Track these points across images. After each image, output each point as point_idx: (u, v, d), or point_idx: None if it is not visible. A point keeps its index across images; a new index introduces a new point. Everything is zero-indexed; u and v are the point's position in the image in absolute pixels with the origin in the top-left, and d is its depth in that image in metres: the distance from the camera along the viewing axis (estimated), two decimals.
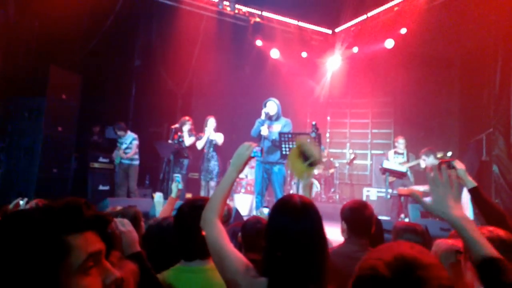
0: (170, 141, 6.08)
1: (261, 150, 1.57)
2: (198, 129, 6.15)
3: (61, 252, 0.65)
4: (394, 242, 0.83)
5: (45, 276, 0.63)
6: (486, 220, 1.97)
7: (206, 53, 8.16)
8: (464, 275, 1.41)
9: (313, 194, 7.49)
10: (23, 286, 0.62)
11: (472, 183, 2.12)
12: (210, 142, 5.77)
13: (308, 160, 1.66)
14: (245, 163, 1.50)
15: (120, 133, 6.38)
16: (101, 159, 6.61)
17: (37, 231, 0.65)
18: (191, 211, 1.54)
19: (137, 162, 6.41)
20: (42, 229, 0.66)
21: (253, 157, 1.52)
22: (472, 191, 2.11)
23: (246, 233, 2.03)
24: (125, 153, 6.30)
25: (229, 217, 2.96)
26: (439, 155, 5.68)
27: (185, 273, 1.52)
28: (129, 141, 6.37)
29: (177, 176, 3.02)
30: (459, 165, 2.18)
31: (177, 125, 6.11)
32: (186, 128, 6.05)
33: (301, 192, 1.84)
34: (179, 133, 6.10)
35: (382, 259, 0.73)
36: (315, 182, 7.70)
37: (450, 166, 2.18)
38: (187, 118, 6.16)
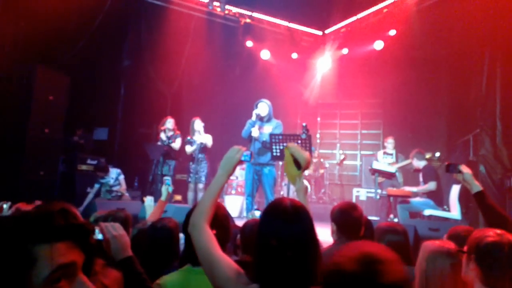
0: (159, 143, 6.04)
1: (251, 154, 1.56)
2: (189, 130, 6.10)
3: (26, 263, 0.62)
4: (359, 242, 0.90)
5: (8, 287, 0.60)
6: (489, 225, 1.96)
7: (196, 54, 8.12)
8: (464, 275, 1.43)
9: None
10: None
11: (478, 187, 2.11)
12: (199, 144, 5.73)
13: (298, 164, 1.68)
14: (235, 167, 1.48)
15: (100, 174, 5.82)
16: (89, 161, 6.52)
17: (2, 239, 0.62)
18: None
19: (127, 195, 6.07)
20: (7, 237, 0.62)
21: (243, 161, 1.51)
22: (477, 195, 2.10)
23: (245, 235, 2.03)
24: (114, 189, 5.87)
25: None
26: (428, 155, 5.76)
27: (195, 275, 1.49)
28: (115, 178, 5.94)
29: (167, 179, 3.00)
30: (465, 169, 2.18)
31: (163, 127, 6.06)
32: (169, 126, 5.98)
33: (296, 197, 1.85)
34: (166, 134, 6.04)
35: (346, 255, 0.82)
36: (305, 182, 7.71)
37: (457, 170, 2.19)
38: (169, 117, 6.11)
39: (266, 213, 1.23)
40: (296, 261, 1.13)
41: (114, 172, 5.98)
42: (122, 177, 6.01)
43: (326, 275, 0.82)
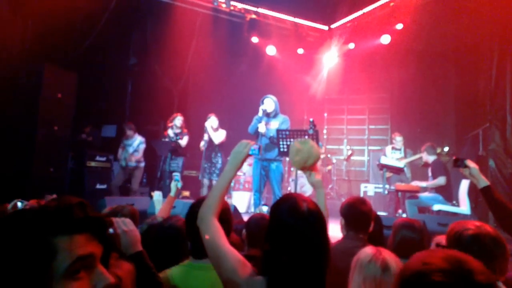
0: (166, 139, 6.07)
1: (259, 148, 1.56)
2: (196, 126, 6.13)
3: (47, 255, 0.63)
4: (429, 250, 0.83)
5: (30, 278, 0.61)
6: (497, 220, 1.95)
7: (202, 51, 8.12)
8: None
9: (311, 190, 7.51)
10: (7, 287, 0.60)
11: (485, 181, 2.10)
12: (210, 141, 5.77)
13: (308, 159, 1.70)
14: (243, 161, 1.48)
15: (129, 132, 6.33)
16: (98, 158, 6.58)
17: (23, 232, 0.63)
18: None
19: (143, 164, 6.42)
20: (28, 230, 0.64)
21: (251, 155, 1.51)
22: (484, 190, 2.09)
23: (251, 229, 2.05)
24: (133, 155, 6.25)
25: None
26: (437, 150, 5.71)
27: (195, 270, 1.53)
28: (137, 145, 6.34)
29: (176, 175, 3.02)
30: (471, 164, 2.17)
31: (171, 123, 6.11)
32: (178, 123, 6.04)
33: (304, 193, 1.86)
34: (174, 131, 6.08)
35: (431, 256, 0.74)
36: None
37: (463, 165, 2.19)
38: (178, 114, 6.19)
39: (281, 210, 1.22)
40: (309, 258, 1.13)
41: (138, 139, 6.36)
42: (143, 146, 6.35)
43: (409, 278, 0.74)
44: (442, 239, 1.58)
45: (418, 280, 0.72)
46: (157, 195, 3.80)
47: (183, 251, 2.01)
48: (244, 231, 2.10)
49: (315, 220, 1.18)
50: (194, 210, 1.60)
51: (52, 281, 0.62)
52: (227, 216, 1.60)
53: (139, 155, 6.33)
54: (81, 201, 0.70)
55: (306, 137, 4.27)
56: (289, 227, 1.16)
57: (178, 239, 1.94)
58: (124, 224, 1.47)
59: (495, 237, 1.36)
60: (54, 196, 2.21)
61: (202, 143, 5.90)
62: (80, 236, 0.67)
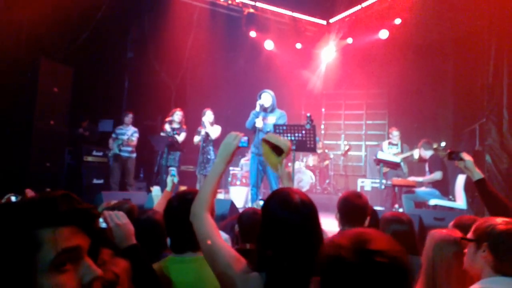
0: (163, 134, 6.06)
1: (248, 140, 1.54)
2: (194, 121, 6.11)
3: (31, 247, 0.62)
4: (352, 229, 0.89)
5: (14, 271, 0.61)
6: (490, 212, 1.97)
7: (200, 45, 8.08)
8: (470, 263, 1.43)
9: (308, 185, 7.54)
10: None
11: (479, 174, 2.11)
12: (207, 135, 5.75)
13: (280, 150, 1.76)
14: (233, 154, 1.46)
15: (127, 120, 6.43)
16: (94, 153, 6.56)
17: (6, 224, 0.63)
18: (181, 205, 1.53)
19: (134, 155, 6.46)
20: (12, 222, 0.63)
21: (240, 147, 1.49)
22: (478, 182, 2.10)
23: (243, 224, 2.04)
24: (129, 141, 6.29)
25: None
26: (433, 145, 5.73)
27: (177, 264, 1.52)
28: (131, 133, 6.37)
29: (173, 170, 3.02)
30: (466, 157, 2.18)
31: (169, 118, 6.09)
32: (177, 118, 6.03)
33: (284, 184, 1.89)
34: (171, 126, 6.07)
35: (342, 242, 0.82)
36: (309, 173, 7.72)
37: (458, 158, 2.20)
38: (178, 109, 6.18)
39: (273, 203, 1.22)
40: (301, 252, 1.13)
41: (132, 129, 6.43)
42: (137, 135, 6.44)
43: (324, 262, 0.82)
44: (437, 232, 1.59)
45: (330, 253, 0.81)
46: (155, 190, 3.81)
47: (161, 244, 1.98)
48: (236, 226, 2.09)
49: (308, 211, 1.18)
50: (171, 205, 1.59)
51: (37, 274, 0.62)
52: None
53: (134, 143, 6.37)
54: (67, 193, 0.69)
55: (304, 132, 4.27)
56: (282, 221, 1.16)
57: (155, 232, 1.89)
58: (117, 218, 1.46)
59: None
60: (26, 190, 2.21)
61: (196, 138, 5.86)
62: (65, 229, 0.66)
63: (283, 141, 1.75)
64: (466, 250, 1.46)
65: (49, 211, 0.65)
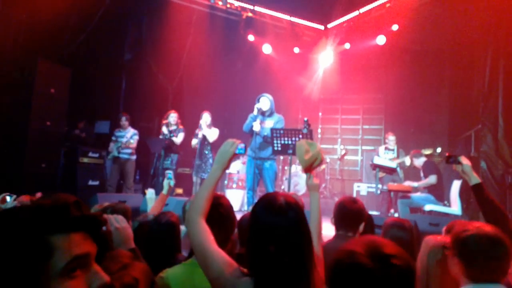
0: (160, 136, 6.05)
1: (245, 147, 1.56)
2: (191, 124, 6.10)
3: (44, 253, 0.63)
4: (361, 237, 0.93)
5: (25, 278, 0.61)
6: (486, 218, 1.94)
7: (198, 48, 8.09)
8: (450, 270, 1.43)
9: (304, 189, 7.53)
10: (3, 286, 0.60)
11: (476, 179, 2.10)
12: (204, 138, 5.74)
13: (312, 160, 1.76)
14: (230, 161, 1.48)
15: (123, 122, 6.34)
16: (90, 154, 6.52)
17: (20, 230, 0.63)
18: (220, 210, 1.52)
19: (134, 157, 6.38)
20: (25, 228, 0.63)
21: (237, 154, 1.51)
22: (475, 187, 2.08)
23: (242, 229, 2.04)
24: (128, 144, 6.20)
25: None
26: (428, 151, 5.77)
27: (199, 268, 1.51)
28: (130, 136, 6.31)
29: (169, 173, 3.00)
30: (464, 161, 2.16)
31: (165, 121, 6.09)
32: (172, 120, 6.02)
33: (297, 192, 1.87)
34: (168, 128, 6.06)
35: (352, 244, 0.85)
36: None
37: (456, 161, 2.18)
38: (172, 111, 6.17)
39: (259, 208, 1.23)
40: (289, 256, 1.13)
41: (131, 131, 6.34)
42: (136, 138, 6.34)
43: (338, 268, 0.85)
44: (432, 238, 1.59)
45: (345, 261, 0.83)
46: (150, 192, 3.79)
47: (177, 246, 2.01)
48: (236, 230, 2.09)
49: (294, 213, 1.18)
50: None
51: (49, 280, 0.62)
52: (230, 213, 1.59)
53: (134, 145, 6.29)
54: (77, 200, 0.70)
55: (300, 136, 4.28)
56: (267, 224, 1.16)
57: (173, 235, 1.94)
58: (117, 221, 1.46)
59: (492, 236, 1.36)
60: (39, 194, 2.19)
61: (194, 141, 5.86)
62: (76, 235, 0.67)
63: (321, 156, 1.76)
64: (448, 253, 1.45)
65: (63, 217, 0.66)
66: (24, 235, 0.62)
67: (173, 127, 6.06)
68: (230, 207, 1.62)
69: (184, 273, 1.50)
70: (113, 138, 6.39)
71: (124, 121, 6.37)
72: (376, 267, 0.79)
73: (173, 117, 6.07)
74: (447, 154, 2.28)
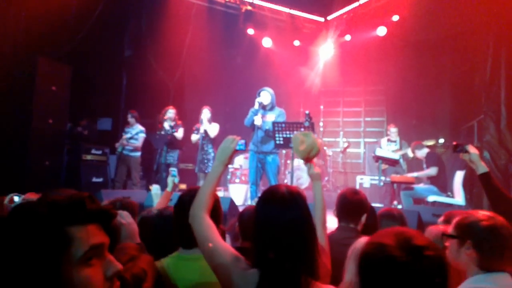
0: (162, 132, 6.05)
1: (245, 143, 1.58)
2: (192, 119, 6.10)
3: (63, 243, 0.68)
4: (389, 228, 0.90)
5: (47, 266, 0.66)
6: (493, 207, 1.93)
7: (197, 43, 8.06)
8: (454, 259, 1.43)
9: (307, 183, 7.54)
10: (25, 276, 0.65)
11: (484, 168, 2.07)
12: (205, 133, 5.74)
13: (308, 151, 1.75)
14: (230, 157, 1.49)
15: (130, 120, 6.36)
16: (93, 151, 6.55)
17: (40, 222, 0.68)
18: (192, 200, 1.55)
19: (138, 154, 6.35)
20: (45, 220, 0.68)
21: (237, 150, 1.52)
22: (482, 176, 2.06)
23: (244, 222, 2.05)
24: (128, 142, 6.21)
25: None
26: (431, 142, 5.76)
27: (184, 261, 1.54)
28: (135, 133, 6.30)
29: (173, 170, 3.03)
30: (472, 149, 2.14)
31: (164, 117, 6.08)
32: (171, 116, 6.02)
33: (300, 186, 1.88)
34: (169, 123, 6.07)
35: (380, 234, 0.86)
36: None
37: (464, 150, 2.16)
38: (170, 107, 6.16)
39: (262, 200, 1.25)
40: (294, 246, 1.14)
41: (138, 128, 6.35)
42: (142, 135, 6.34)
43: (369, 260, 0.85)
44: (434, 229, 1.60)
45: (376, 255, 0.82)
46: (155, 188, 3.81)
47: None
48: (237, 223, 2.11)
49: (296, 204, 1.19)
50: (182, 200, 1.61)
51: (69, 268, 0.67)
52: (215, 207, 1.60)
53: (138, 143, 6.28)
54: (91, 194, 0.76)
55: (302, 129, 4.28)
56: (270, 216, 1.18)
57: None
58: (122, 217, 1.49)
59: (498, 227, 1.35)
60: (29, 194, 2.20)
61: (194, 136, 5.85)
62: (92, 226, 0.72)
63: (318, 144, 1.77)
64: (447, 244, 1.44)
65: (79, 209, 0.71)
66: (45, 226, 0.68)
67: (172, 123, 6.07)
68: (217, 200, 1.63)
69: (172, 265, 1.53)
70: (123, 134, 6.42)
71: (130, 118, 6.38)
72: (410, 260, 0.77)
73: (171, 113, 6.08)
74: (454, 143, 2.26)
